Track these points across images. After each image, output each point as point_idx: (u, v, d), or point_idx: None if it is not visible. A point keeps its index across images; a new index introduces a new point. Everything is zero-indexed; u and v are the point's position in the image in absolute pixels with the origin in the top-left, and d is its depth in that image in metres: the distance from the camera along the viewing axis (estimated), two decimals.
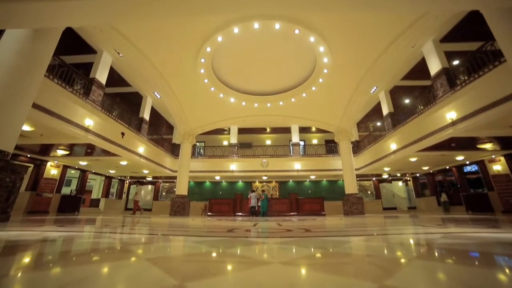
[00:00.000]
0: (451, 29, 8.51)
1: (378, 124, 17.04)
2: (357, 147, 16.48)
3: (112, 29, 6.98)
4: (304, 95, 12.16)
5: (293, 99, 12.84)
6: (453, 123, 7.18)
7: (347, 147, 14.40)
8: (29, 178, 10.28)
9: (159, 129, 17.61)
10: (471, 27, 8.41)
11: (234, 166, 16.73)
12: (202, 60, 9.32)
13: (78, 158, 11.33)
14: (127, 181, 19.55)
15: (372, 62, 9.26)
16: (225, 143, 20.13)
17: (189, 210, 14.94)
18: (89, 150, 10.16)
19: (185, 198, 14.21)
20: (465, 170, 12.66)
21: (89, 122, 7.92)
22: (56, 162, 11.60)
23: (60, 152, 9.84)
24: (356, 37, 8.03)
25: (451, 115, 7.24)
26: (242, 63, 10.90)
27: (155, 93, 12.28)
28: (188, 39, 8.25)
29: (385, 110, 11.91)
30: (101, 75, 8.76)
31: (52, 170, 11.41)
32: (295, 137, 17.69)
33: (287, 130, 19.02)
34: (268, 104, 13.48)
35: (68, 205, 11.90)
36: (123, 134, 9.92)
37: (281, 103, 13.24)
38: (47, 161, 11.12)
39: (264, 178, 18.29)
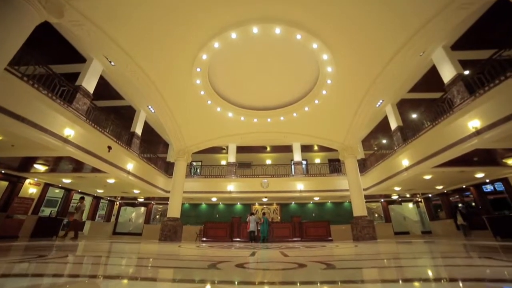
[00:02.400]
0: (460, 37, 8.09)
1: (384, 141, 16.25)
2: (363, 166, 15.49)
3: (100, 31, 6.48)
4: (306, 109, 11.51)
5: (294, 114, 12.18)
6: (478, 132, 6.35)
7: (353, 165, 13.43)
8: (0, 198, 9.18)
9: (154, 147, 16.76)
10: (480, 35, 8.01)
11: (232, 186, 15.59)
12: (198, 70, 8.80)
13: (60, 174, 10.33)
14: (117, 202, 18.22)
15: (378, 71, 8.72)
16: (223, 162, 19.14)
17: (181, 234, 13.51)
18: (71, 165, 9.23)
19: (178, 221, 12.88)
20: (485, 190, 11.55)
21: (69, 132, 7.11)
22: (36, 179, 10.58)
23: (38, 167, 8.89)
24: (361, 43, 7.55)
25: (474, 123, 6.44)
26: (241, 75, 10.41)
27: (149, 107, 11.67)
28: (183, 45, 7.78)
29: (393, 124, 11.19)
30: (89, 83, 8.15)
31: (30, 188, 10.33)
32: (297, 156, 16.77)
33: (288, 149, 18.18)
34: (268, 119, 12.80)
35: (45, 229, 10.60)
36: (110, 148, 9.06)
37: (282, 118, 12.57)
38: (25, 178, 10.10)
39: (264, 200, 17.01)
